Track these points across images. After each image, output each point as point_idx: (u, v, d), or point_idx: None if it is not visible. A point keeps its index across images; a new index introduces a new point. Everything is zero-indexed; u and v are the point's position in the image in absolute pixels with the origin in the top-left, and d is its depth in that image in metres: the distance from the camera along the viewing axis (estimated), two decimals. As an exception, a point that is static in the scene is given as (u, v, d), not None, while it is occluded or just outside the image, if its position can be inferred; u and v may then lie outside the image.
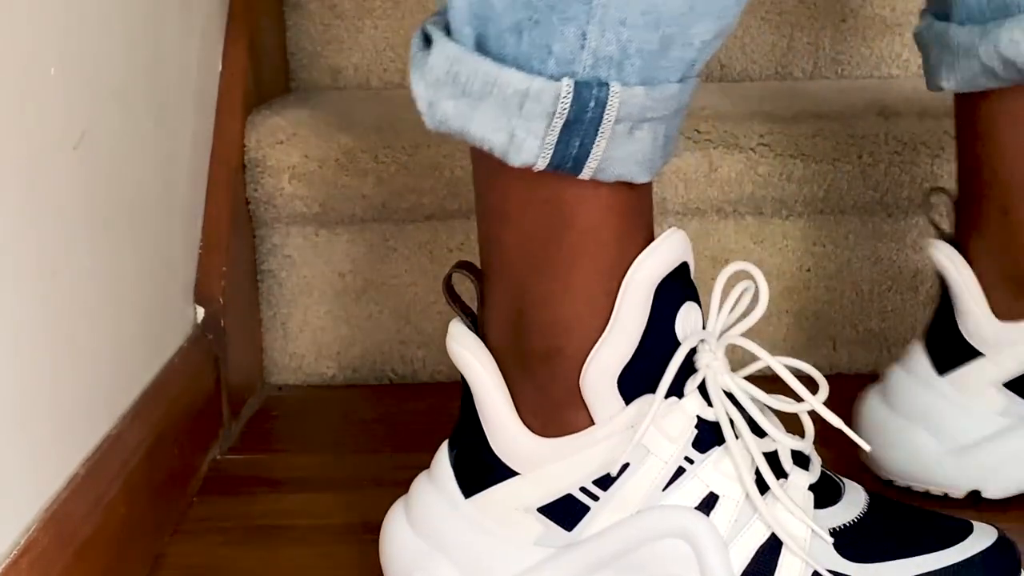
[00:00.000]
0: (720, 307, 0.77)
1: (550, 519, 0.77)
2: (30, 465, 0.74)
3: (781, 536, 0.75)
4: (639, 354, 0.74)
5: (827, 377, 0.77)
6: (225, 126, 1.16)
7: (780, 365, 0.76)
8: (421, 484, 0.81)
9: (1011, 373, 0.94)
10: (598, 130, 0.70)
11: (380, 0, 1.37)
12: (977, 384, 0.94)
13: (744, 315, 0.77)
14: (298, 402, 1.20)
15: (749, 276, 0.77)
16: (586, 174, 0.71)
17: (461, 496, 0.79)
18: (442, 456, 0.80)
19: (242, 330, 1.16)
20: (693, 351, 0.75)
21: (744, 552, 0.75)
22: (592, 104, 0.70)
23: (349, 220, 1.21)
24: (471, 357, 0.77)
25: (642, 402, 0.74)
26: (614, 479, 0.75)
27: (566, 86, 0.69)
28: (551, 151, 0.70)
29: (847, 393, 0.97)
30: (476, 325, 0.79)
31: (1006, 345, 0.94)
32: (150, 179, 0.98)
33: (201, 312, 1.08)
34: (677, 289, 0.75)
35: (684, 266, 0.75)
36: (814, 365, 0.79)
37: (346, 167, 1.19)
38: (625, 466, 0.75)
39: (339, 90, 1.38)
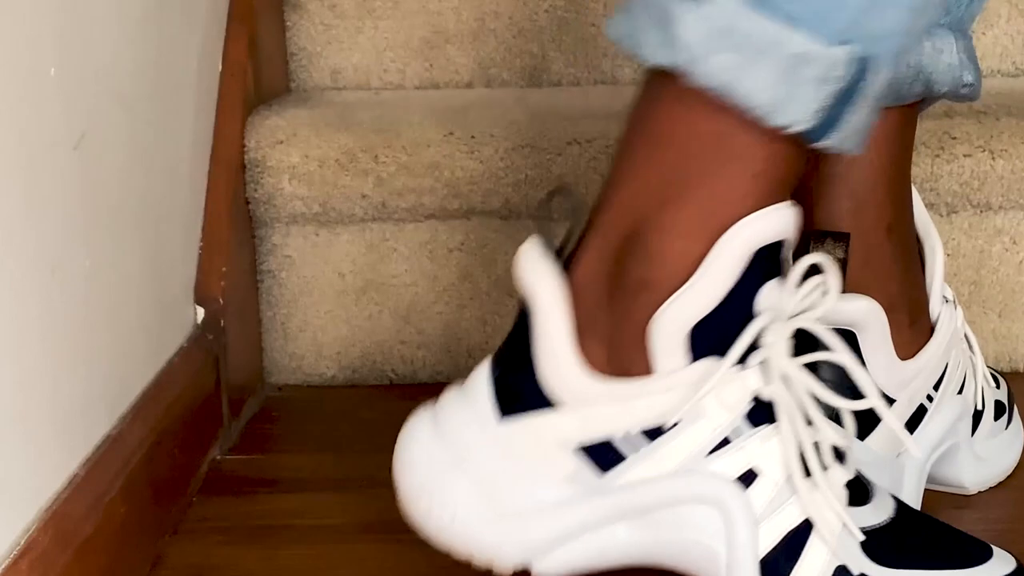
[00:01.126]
0: (795, 290, 0.76)
1: (586, 460, 0.76)
2: (30, 465, 0.74)
3: (816, 522, 0.74)
4: (715, 314, 0.73)
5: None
6: (225, 126, 1.16)
7: (849, 358, 0.76)
8: (452, 397, 0.80)
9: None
10: (856, 102, 0.70)
11: (380, 0, 1.37)
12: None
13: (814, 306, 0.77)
14: (298, 402, 1.20)
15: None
16: (824, 142, 0.71)
17: (496, 417, 0.77)
18: (482, 373, 0.79)
19: (242, 330, 1.16)
20: (763, 328, 0.75)
21: (773, 533, 0.74)
22: (859, 76, 0.70)
23: (349, 220, 1.21)
24: (543, 276, 0.76)
25: (708, 363, 0.74)
26: (661, 433, 0.74)
27: (845, 54, 0.69)
28: (813, 116, 0.70)
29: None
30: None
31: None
32: (150, 179, 0.98)
33: (201, 312, 1.08)
34: (770, 263, 0.74)
35: (782, 243, 0.74)
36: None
37: (346, 167, 1.19)
38: (675, 424, 0.74)
39: (339, 90, 1.38)
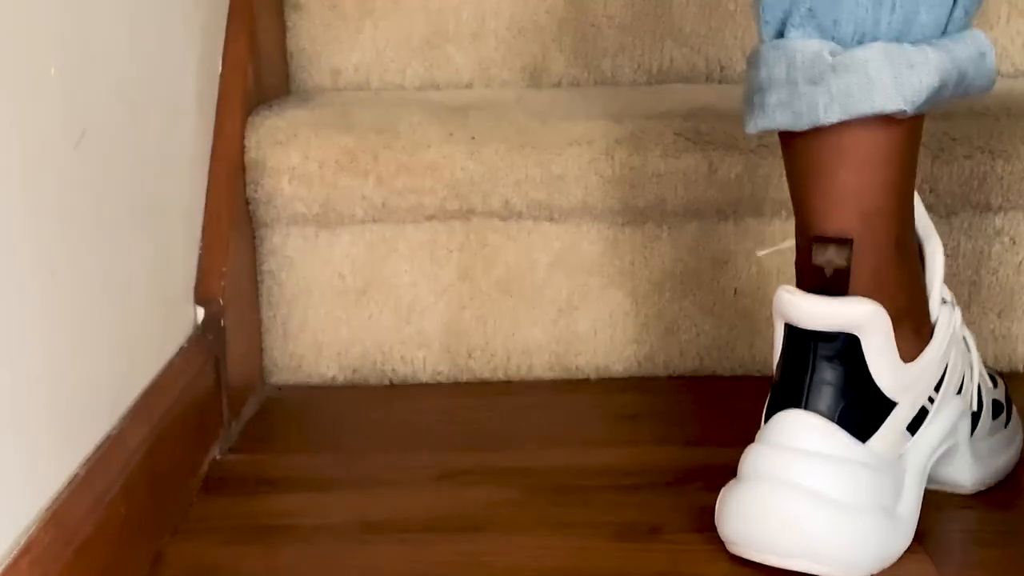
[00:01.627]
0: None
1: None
2: (30, 465, 0.74)
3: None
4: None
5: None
6: (225, 126, 1.16)
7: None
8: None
9: None
10: None
11: (380, 0, 1.37)
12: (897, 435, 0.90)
13: None
14: (298, 402, 1.20)
15: None
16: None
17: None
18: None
19: (242, 330, 1.16)
20: None
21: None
22: None
23: (349, 220, 1.21)
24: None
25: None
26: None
27: None
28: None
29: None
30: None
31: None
32: (150, 179, 0.98)
33: (201, 312, 1.08)
34: None
35: None
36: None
37: (346, 167, 1.19)
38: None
39: (339, 90, 1.38)
